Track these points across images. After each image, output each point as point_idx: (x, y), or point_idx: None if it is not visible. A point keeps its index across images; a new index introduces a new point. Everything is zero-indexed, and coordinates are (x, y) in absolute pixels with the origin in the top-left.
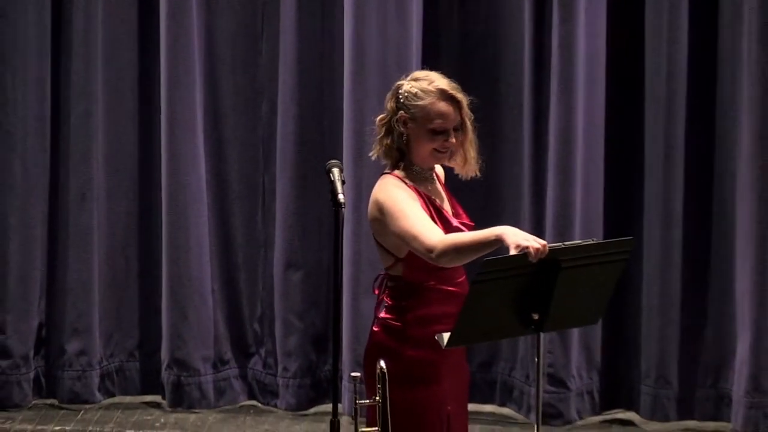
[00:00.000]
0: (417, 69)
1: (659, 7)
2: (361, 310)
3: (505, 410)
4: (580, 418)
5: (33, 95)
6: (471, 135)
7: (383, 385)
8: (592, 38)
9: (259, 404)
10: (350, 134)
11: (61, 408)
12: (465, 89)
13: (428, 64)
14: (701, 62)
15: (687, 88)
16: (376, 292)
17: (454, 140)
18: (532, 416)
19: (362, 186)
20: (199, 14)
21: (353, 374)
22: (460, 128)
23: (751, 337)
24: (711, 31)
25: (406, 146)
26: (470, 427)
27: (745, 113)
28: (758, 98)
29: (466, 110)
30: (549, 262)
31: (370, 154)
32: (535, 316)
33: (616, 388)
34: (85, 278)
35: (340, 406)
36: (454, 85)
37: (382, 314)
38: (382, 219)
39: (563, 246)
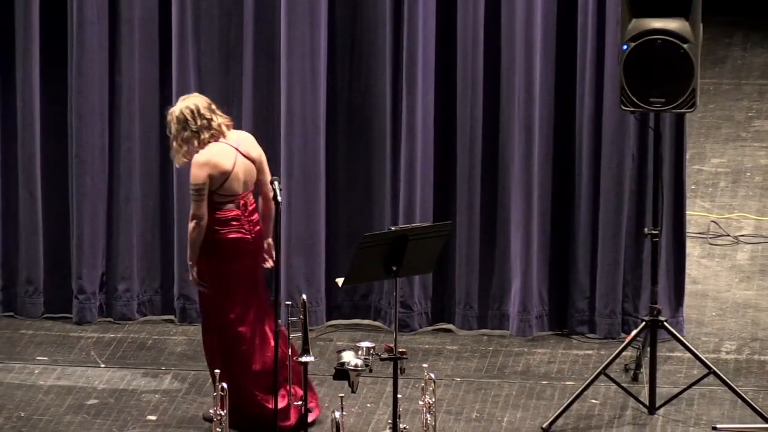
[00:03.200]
0: (324, 123)
1: (465, 74)
2: (293, 264)
3: (376, 323)
4: (420, 327)
5: (98, 137)
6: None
7: (305, 311)
8: (426, 103)
9: None
10: (285, 162)
11: (114, 323)
12: (352, 134)
13: (330, 119)
14: (491, 94)
15: (482, 128)
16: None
17: None
18: (392, 326)
19: (290, 190)
20: (197, 87)
21: (287, 302)
22: None
23: (519, 279)
24: (496, 78)
25: None
26: (354, 334)
27: (516, 127)
28: (523, 106)
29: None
30: (401, 236)
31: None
32: (394, 268)
33: (440, 310)
34: (129, 247)
35: (280, 321)
36: None
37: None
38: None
39: (410, 227)
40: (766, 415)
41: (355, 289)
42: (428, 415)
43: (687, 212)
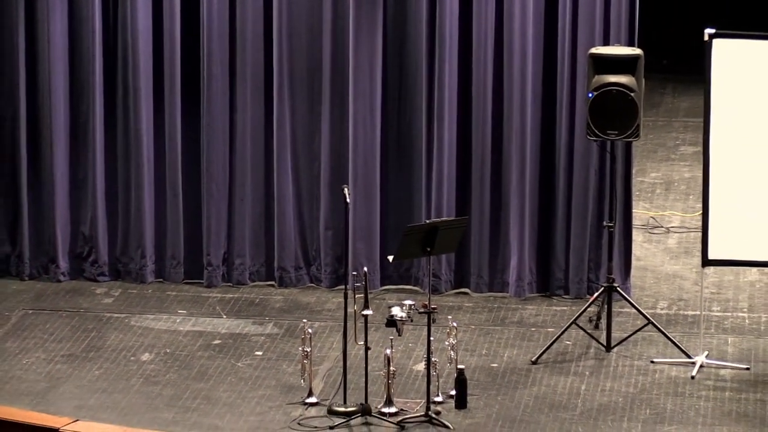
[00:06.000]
0: (379, 148)
1: (478, 115)
2: (357, 246)
3: (415, 287)
4: (446, 290)
5: (221, 157)
6: None
7: (366, 279)
8: (450, 135)
9: (314, 285)
10: (352, 175)
11: (233, 287)
12: (399, 155)
13: (383, 145)
14: (497, 130)
15: (490, 154)
16: None
17: None
18: (427, 290)
19: (356, 195)
20: (290, 122)
21: (353, 273)
22: None
23: (516, 257)
24: (500, 119)
25: None
26: (400, 295)
27: (513, 152)
28: (519, 137)
29: None
30: (433, 227)
31: None
32: (428, 249)
33: (460, 278)
34: (243, 233)
35: (348, 286)
36: None
37: None
38: None
39: (439, 220)
40: (688, 353)
41: (401, 263)
42: (451, 352)
43: (633, 210)
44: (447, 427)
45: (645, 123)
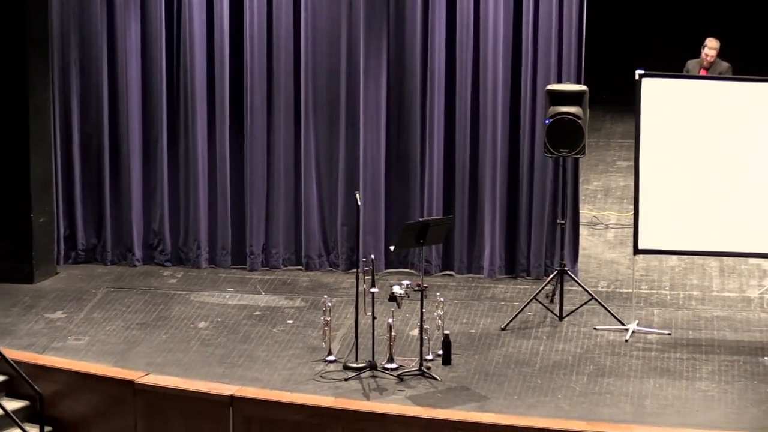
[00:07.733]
0: (384, 159)
1: (460, 136)
2: (366, 239)
3: (412, 270)
4: (435, 273)
5: (260, 171)
6: None
7: (373, 264)
8: (439, 150)
9: (333, 269)
10: (363, 181)
11: (269, 270)
12: (399, 166)
13: (387, 157)
14: (473, 147)
15: (468, 167)
16: None
17: None
18: (420, 272)
19: (365, 198)
20: (314, 139)
21: (363, 259)
22: None
23: (489, 246)
24: (476, 139)
25: None
26: (399, 276)
27: (487, 166)
28: (490, 154)
29: None
30: (425, 224)
31: None
32: (421, 241)
33: (446, 263)
34: (277, 228)
35: (360, 269)
36: None
37: None
38: None
39: (430, 219)
40: (622, 321)
41: (401, 252)
42: (439, 321)
43: (580, 211)
44: (435, 378)
45: (589, 143)
